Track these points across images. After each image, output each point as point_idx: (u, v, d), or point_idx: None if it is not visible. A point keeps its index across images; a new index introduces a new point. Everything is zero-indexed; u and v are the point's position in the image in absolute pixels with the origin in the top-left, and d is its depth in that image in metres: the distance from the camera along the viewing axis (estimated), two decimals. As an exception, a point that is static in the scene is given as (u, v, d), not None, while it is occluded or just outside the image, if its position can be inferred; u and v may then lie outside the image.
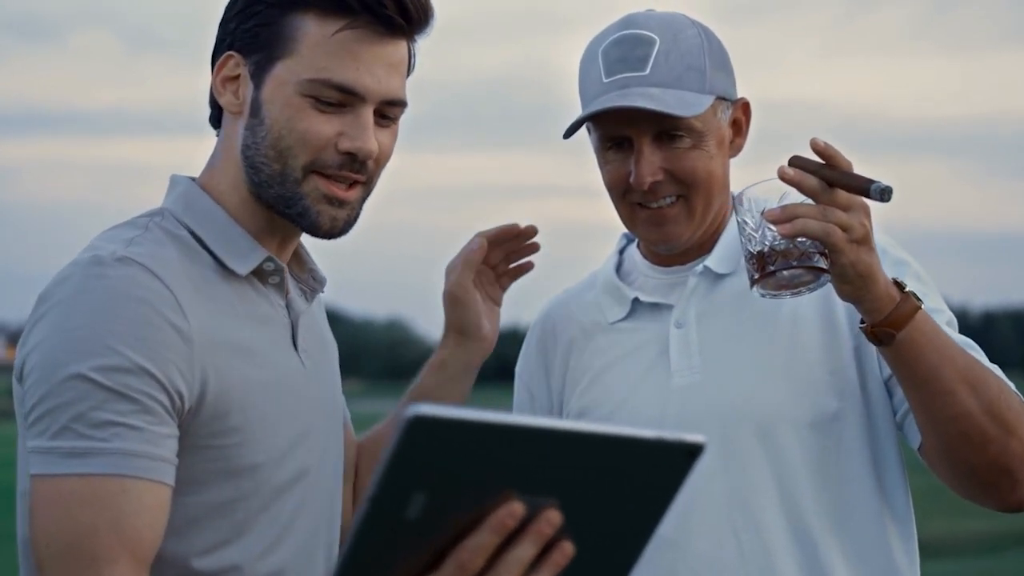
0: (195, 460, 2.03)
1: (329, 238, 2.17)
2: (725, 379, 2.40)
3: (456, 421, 1.41)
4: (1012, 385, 2.30)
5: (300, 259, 2.27)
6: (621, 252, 2.61)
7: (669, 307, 2.47)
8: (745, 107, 2.46)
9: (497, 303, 2.55)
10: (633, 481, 1.50)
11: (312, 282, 2.27)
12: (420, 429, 1.40)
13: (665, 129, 2.37)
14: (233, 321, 2.09)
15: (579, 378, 2.51)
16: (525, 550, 1.48)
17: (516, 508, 1.46)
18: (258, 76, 2.12)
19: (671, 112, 2.33)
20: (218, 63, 2.16)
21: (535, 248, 2.54)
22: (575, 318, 2.56)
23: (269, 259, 2.15)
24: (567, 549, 1.50)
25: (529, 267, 2.55)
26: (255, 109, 2.13)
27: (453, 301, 2.49)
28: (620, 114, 2.35)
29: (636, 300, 2.50)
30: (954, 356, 2.22)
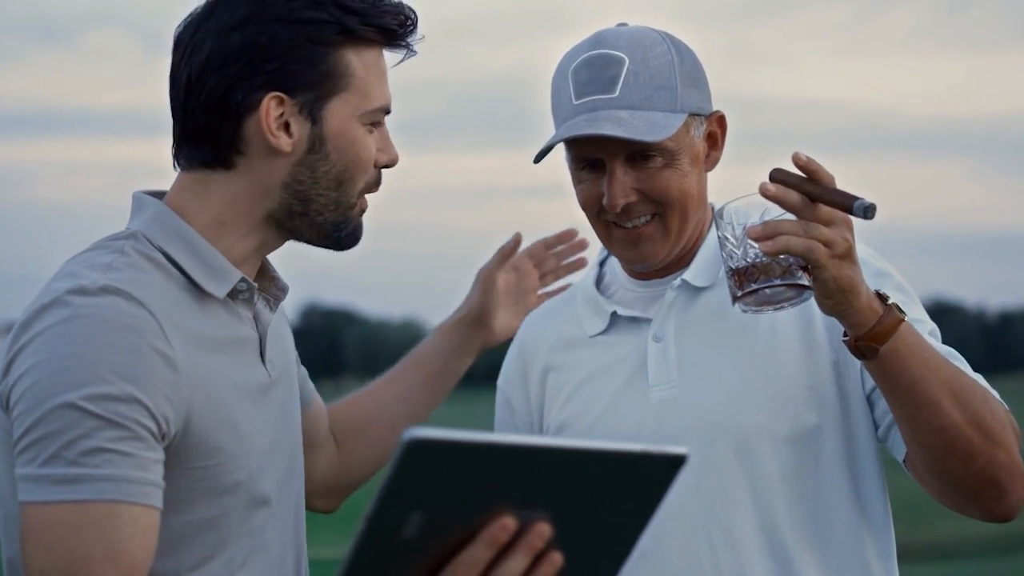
0: (181, 481, 2.07)
1: (352, 248, 2.26)
2: (703, 393, 2.39)
3: (451, 443, 1.47)
4: (996, 394, 2.29)
5: (264, 269, 2.29)
6: (602, 264, 2.60)
7: (647, 320, 2.46)
8: (720, 120, 2.45)
9: (524, 305, 2.79)
10: (620, 493, 1.58)
11: (275, 290, 2.29)
12: (417, 452, 1.46)
13: (637, 150, 2.36)
14: (211, 343, 2.13)
15: (558, 391, 2.51)
16: (517, 562, 1.56)
17: (508, 523, 1.54)
18: (314, 113, 2.16)
19: (639, 138, 2.33)
20: (263, 106, 2.13)
21: (584, 244, 2.84)
22: (555, 331, 2.56)
23: (243, 280, 2.18)
24: (556, 559, 1.57)
25: (581, 264, 2.81)
26: (316, 145, 2.16)
27: (476, 280, 2.76)
28: (592, 137, 2.35)
29: (614, 314, 2.49)
30: (938, 367, 2.20)
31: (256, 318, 2.23)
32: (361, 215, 2.23)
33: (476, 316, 2.75)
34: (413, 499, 1.48)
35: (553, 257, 2.86)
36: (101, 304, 2.02)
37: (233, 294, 2.18)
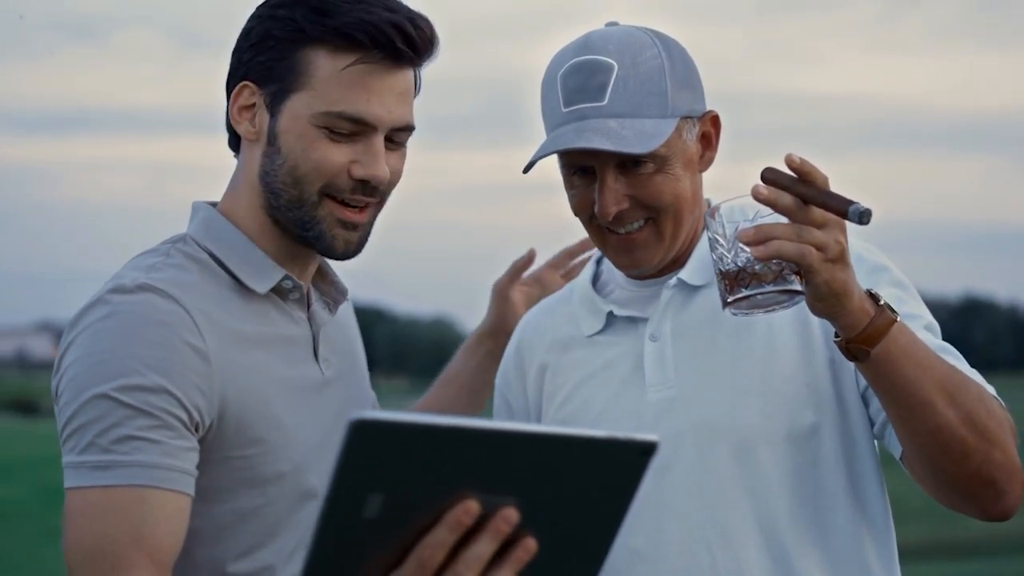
0: (222, 471, 2.17)
1: (343, 259, 2.30)
2: (700, 394, 2.37)
3: (397, 425, 1.48)
4: (992, 390, 2.27)
5: (323, 272, 2.40)
6: (599, 263, 2.58)
7: (644, 320, 2.45)
8: (714, 120, 2.42)
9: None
10: (589, 480, 1.56)
11: (335, 293, 2.40)
12: (362, 433, 1.48)
13: (627, 157, 2.33)
14: (253, 339, 2.22)
15: (556, 392, 2.50)
16: (483, 547, 1.56)
17: (471, 506, 1.54)
18: (273, 107, 2.24)
19: (628, 151, 2.30)
20: (234, 92, 2.27)
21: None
22: (552, 330, 2.55)
23: (287, 277, 2.28)
24: (529, 545, 1.57)
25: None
26: (271, 138, 2.24)
27: (491, 294, 2.83)
28: None
29: (611, 314, 2.48)
30: (932, 367, 2.17)
31: (311, 318, 2.33)
32: (337, 224, 2.25)
33: (495, 329, 2.80)
34: (369, 480, 1.50)
35: (579, 264, 2.87)
36: (137, 301, 2.13)
37: (282, 293, 2.29)
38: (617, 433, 1.55)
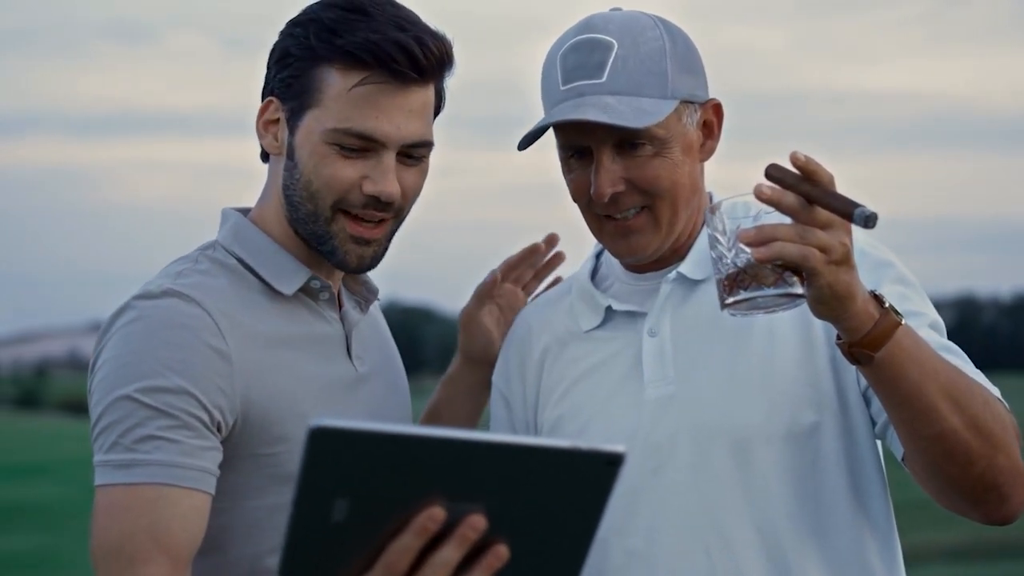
0: (251, 468, 2.23)
1: (357, 272, 2.37)
2: (699, 391, 2.32)
3: (356, 432, 1.51)
4: (997, 392, 2.20)
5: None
6: (598, 256, 2.54)
7: (643, 315, 2.40)
8: (716, 108, 2.38)
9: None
10: (557, 490, 1.56)
11: (366, 292, 2.46)
12: (323, 441, 1.50)
13: (625, 138, 2.29)
14: (281, 340, 2.28)
15: (554, 387, 2.45)
16: (449, 553, 1.57)
17: (436, 512, 1.56)
18: (292, 122, 2.31)
19: (624, 124, 2.25)
20: (260, 107, 2.35)
21: (560, 259, 2.75)
22: (550, 325, 2.50)
23: (314, 278, 2.34)
24: (501, 552, 1.58)
25: (559, 260, 2.74)
26: (290, 152, 2.31)
27: (462, 326, 2.71)
28: (578, 124, 2.28)
29: (609, 308, 2.43)
30: (936, 371, 2.10)
31: (344, 318, 2.39)
32: (350, 240, 2.30)
33: (470, 357, 2.71)
34: (334, 486, 1.52)
35: (528, 269, 2.76)
36: (160, 306, 2.21)
37: (312, 294, 2.35)
38: (580, 443, 1.54)
